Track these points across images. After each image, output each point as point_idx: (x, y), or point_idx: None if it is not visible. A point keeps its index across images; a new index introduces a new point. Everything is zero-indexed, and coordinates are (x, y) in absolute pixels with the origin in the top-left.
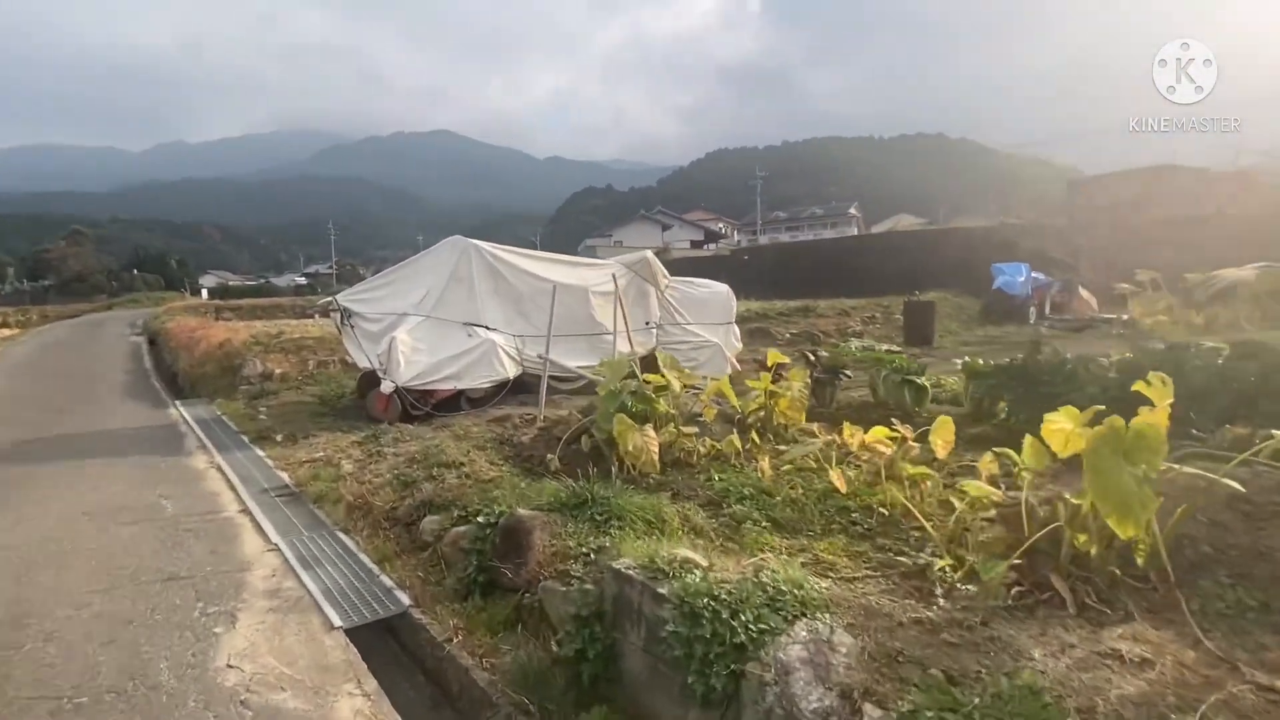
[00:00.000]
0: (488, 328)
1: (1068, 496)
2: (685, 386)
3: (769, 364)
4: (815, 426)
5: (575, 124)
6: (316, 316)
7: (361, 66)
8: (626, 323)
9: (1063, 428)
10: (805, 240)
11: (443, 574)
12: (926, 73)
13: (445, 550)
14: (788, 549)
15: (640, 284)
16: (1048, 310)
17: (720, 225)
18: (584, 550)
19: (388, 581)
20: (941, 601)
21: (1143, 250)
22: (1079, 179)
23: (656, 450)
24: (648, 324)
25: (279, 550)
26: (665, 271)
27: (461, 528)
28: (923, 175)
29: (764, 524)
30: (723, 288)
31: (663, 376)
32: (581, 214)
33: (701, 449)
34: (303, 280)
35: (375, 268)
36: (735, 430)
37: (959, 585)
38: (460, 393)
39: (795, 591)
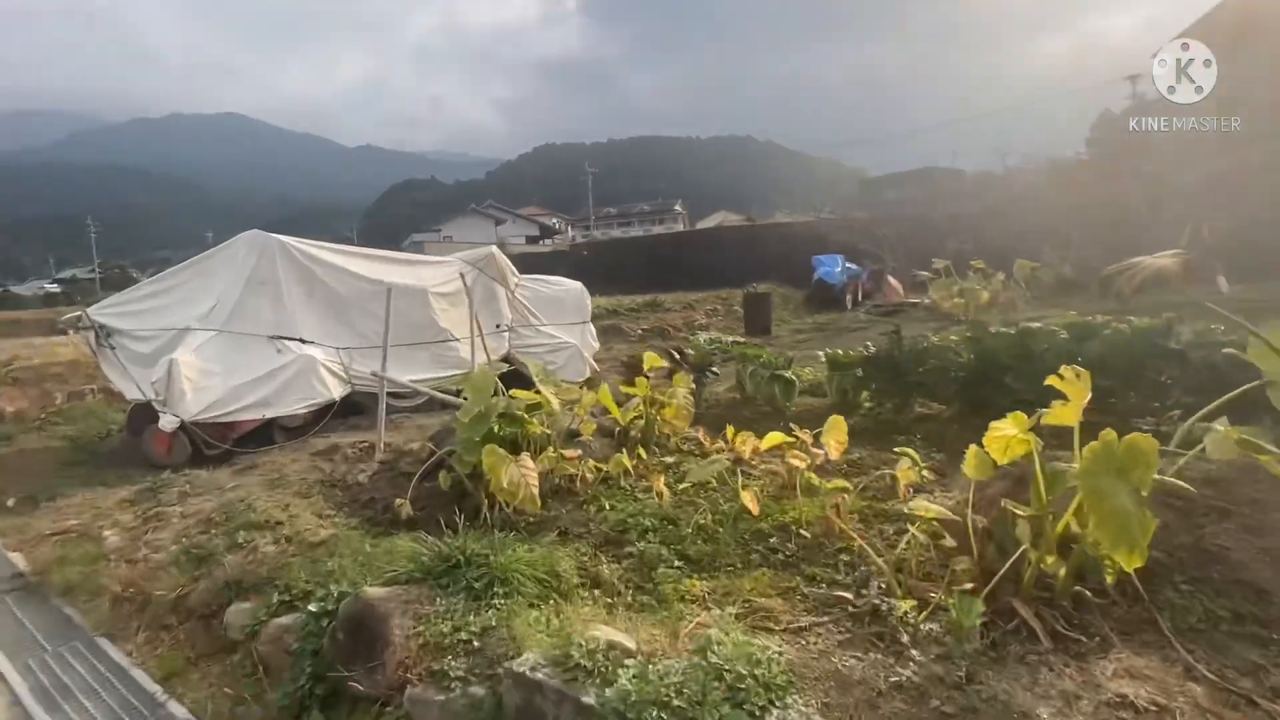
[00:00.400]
0: (303, 340)
1: (1020, 511)
2: (565, 402)
3: (645, 367)
4: (701, 433)
5: (389, 112)
6: (71, 333)
7: (122, 37)
8: (480, 328)
9: (1006, 434)
10: (643, 235)
11: (262, 686)
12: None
13: (263, 652)
14: (713, 595)
15: (487, 283)
16: (860, 297)
17: (554, 220)
18: (463, 637)
19: (179, 712)
20: (914, 653)
21: (933, 241)
22: (868, 179)
23: (536, 484)
24: (499, 327)
25: (2, 682)
26: (514, 269)
27: (285, 618)
28: (736, 173)
29: (677, 563)
30: (575, 285)
31: (535, 392)
32: (403, 207)
33: (587, 473)
34: (54, 288)
35: (154, 270)
36: (616, 445)
37: (918, 625)
38: (271, 422)
39: (755, 673)
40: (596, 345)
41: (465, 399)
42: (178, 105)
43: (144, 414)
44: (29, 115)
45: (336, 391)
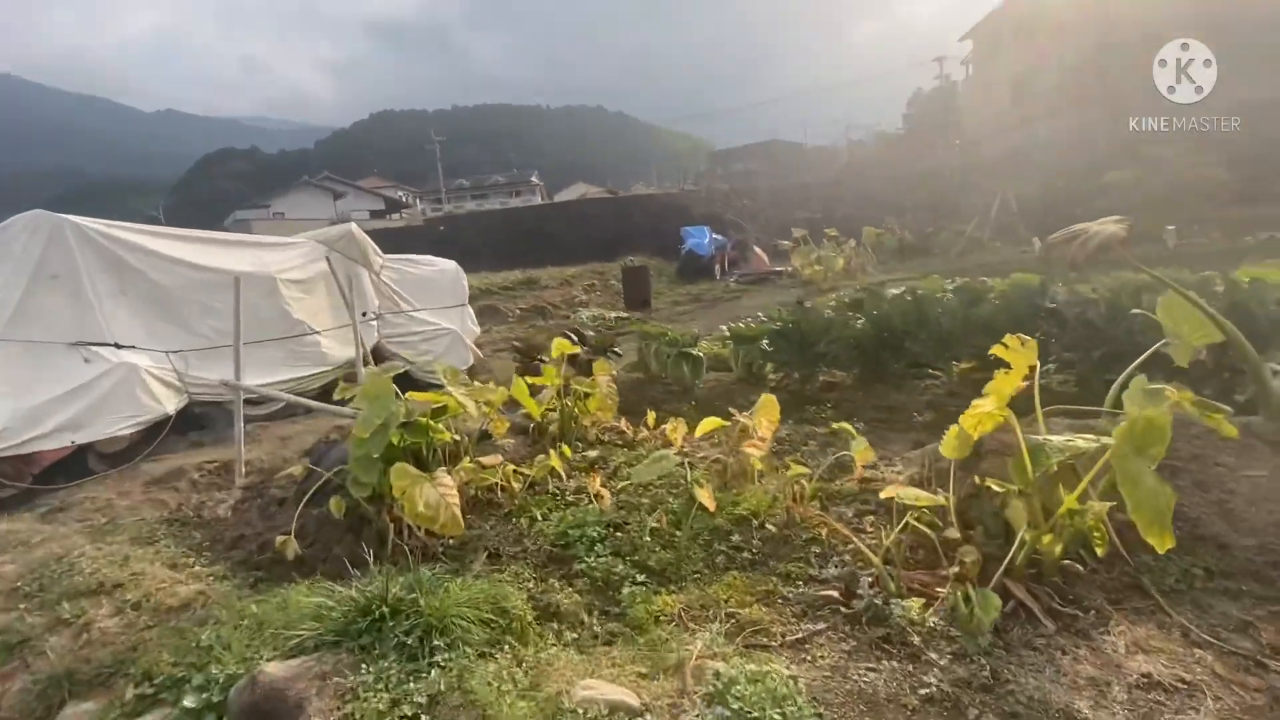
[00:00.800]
0: (118, 345)
1: (1001, 488)
2: (482, 403)
3: (555, 353)
4: (623, 422)
5: (192, 72)
6: None
7: None
8: (354, 316)
9: (984, 410)
10: (504, 209)
11: None
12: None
13: None
14: (690, 611)
15: (347, 266)
16: (727, 267)
17: (401, 194)
18: (407, 712)
19: None
20: (932, 656)
21: (785, 211)
22: (717, 151)
23: (458, 503)
24: (365, 315)
25: None
26: (377, 248)
27: (151, 718)
28: (589, 145)
29: (639, 578)
30: (449, 264)
31: (440, 392)
32: (220, 180)
33: (512, 482)
34: None
35: None
36: (531, 444)
37: (924, 621)
38: (85, 449)
39: (784, 712)
40: (477, 329)
41: (340, 404)
42: None
43: None
44: None
45: (170, 404)
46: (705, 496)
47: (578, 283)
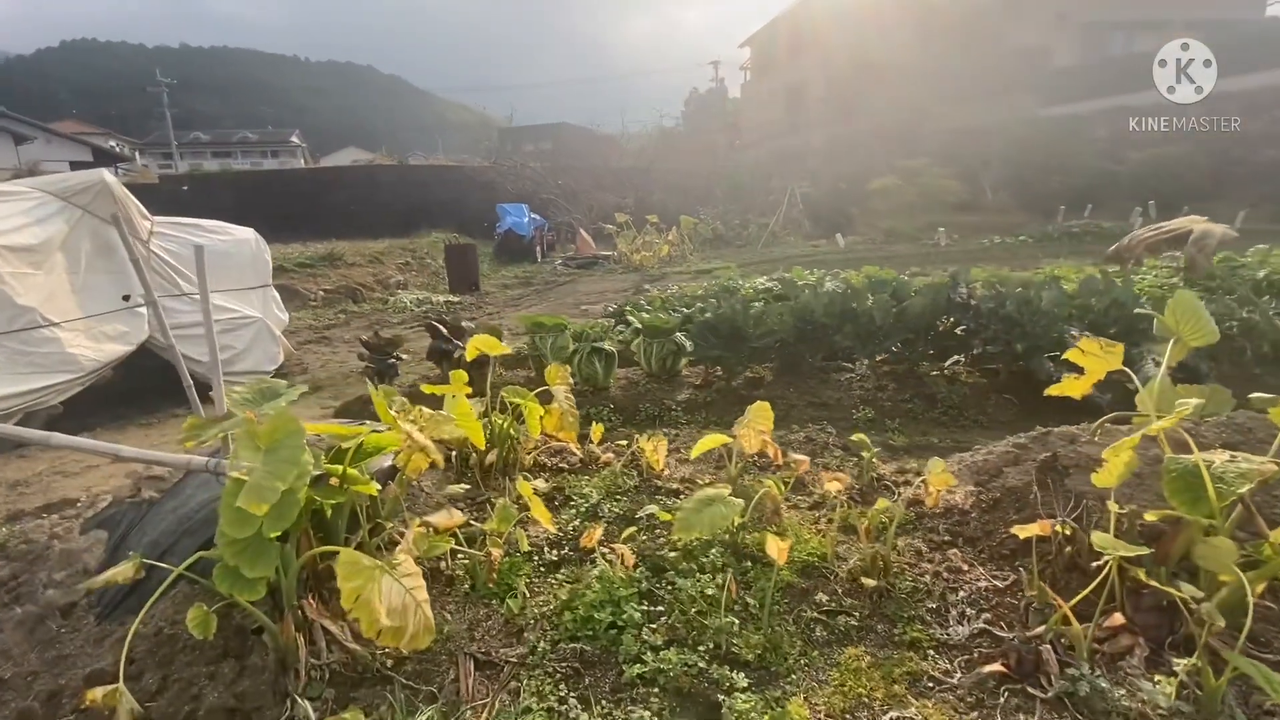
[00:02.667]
0: None
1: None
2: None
3: (470, 354)
4: (571, 441)
5: None
6: None
7: None
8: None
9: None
10: (276, 170)
11: None
12: None
13: None
14: None
15: (99, 231)
16: (545, 249)
17: (114, 144)
18: None
19: None
20: None
21: (600, 195)
22: (508, 128)
23: (427, 600)
24: (127, 300)
25: None
26: (143, 208)
27: None
28: (357, 107)
29: (736, 680)
30: (247, 233)
31: (359, 425)
32: None
33: (494, 550)
34: None
35: None
36: (457, 477)
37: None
38: None
39: None
40: (285, 318)
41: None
42: None
43: None
44: None
45: None
46: (776, 546)
47: (389, 260)
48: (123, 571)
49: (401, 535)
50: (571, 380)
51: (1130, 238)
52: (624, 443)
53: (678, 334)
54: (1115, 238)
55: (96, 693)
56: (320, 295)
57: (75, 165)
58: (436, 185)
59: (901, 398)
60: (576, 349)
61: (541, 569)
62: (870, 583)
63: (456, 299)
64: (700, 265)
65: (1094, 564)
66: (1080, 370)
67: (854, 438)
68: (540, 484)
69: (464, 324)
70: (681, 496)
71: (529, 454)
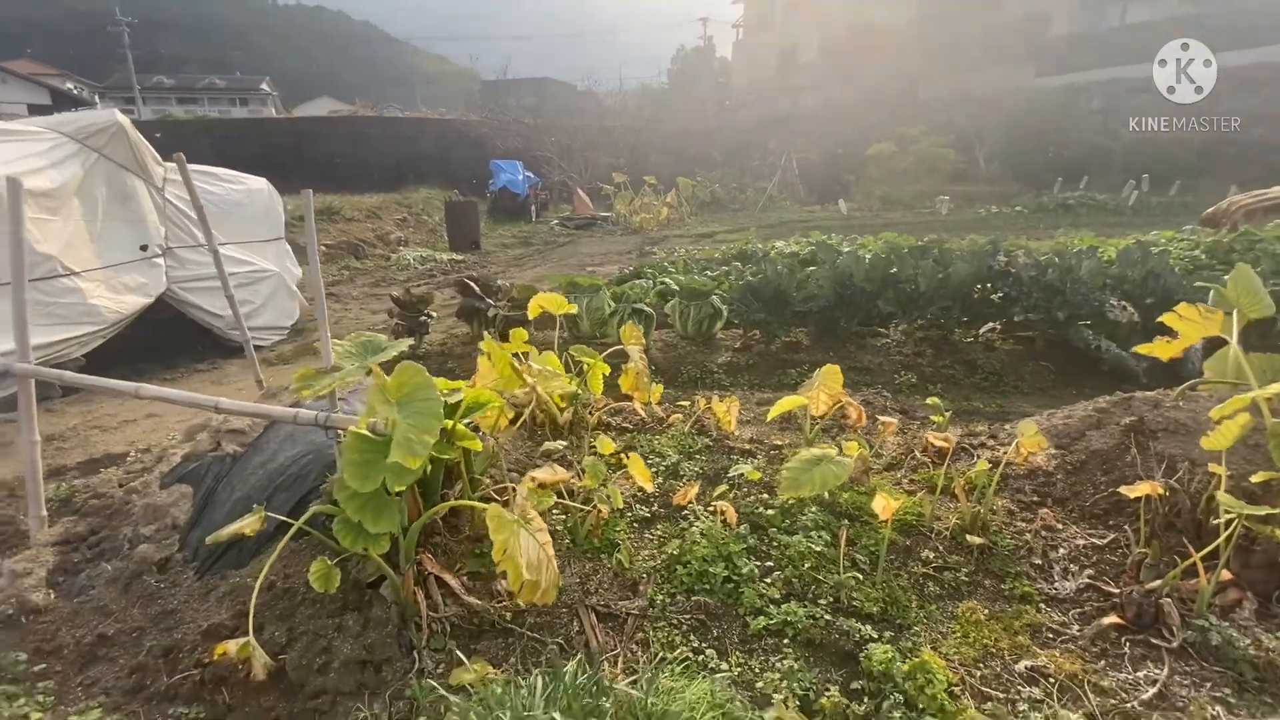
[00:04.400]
0: None
1: None
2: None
3: (533, 313)
4: (637, 402)
5: None
6: None
7: None
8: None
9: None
10: (253, 118)
11: None
12: None
13: None
14: (967, 668)
15: (115, 175)
16: (539, 209)
17: (71, 85)
18: None
19: None
20: None
21: (593, 154)
22: (490, 81)
23: (554, 556)
24: (144, 249)
25: None
26: (156, 154)
27: None
28: (328, 55)
29: (864, 630)
30: (260, 183)
31: (459, 380)
32: None
33: (601, 507)
34: None
35: None
36: (529, 437)
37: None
38: None
39: None
40: (299, 272)
41: (304, 404)
42: None
43: None
44: None
45: None
46: (883, 504)
47: (386, 216)
48: (251, 524)
49: (503, 490)
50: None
51: (1228, 202)
52: (685, 403)
53: (713, 297)
54: (1110, 211)
55: (229, 646)
56: (322, 250)
57: (34, 109)
58: (424, 139)
59: (941, 363)
60: (616, 310)
61: (635, 525)
62: (975, 540)
63: (460, 257)
64: (700, 229)
65: (1197, 523)
66: (1172, 334)
67: (929, 400)
68: (609, 443)
69: (496, 283)
70: (757, 456)
71: (595, 414)
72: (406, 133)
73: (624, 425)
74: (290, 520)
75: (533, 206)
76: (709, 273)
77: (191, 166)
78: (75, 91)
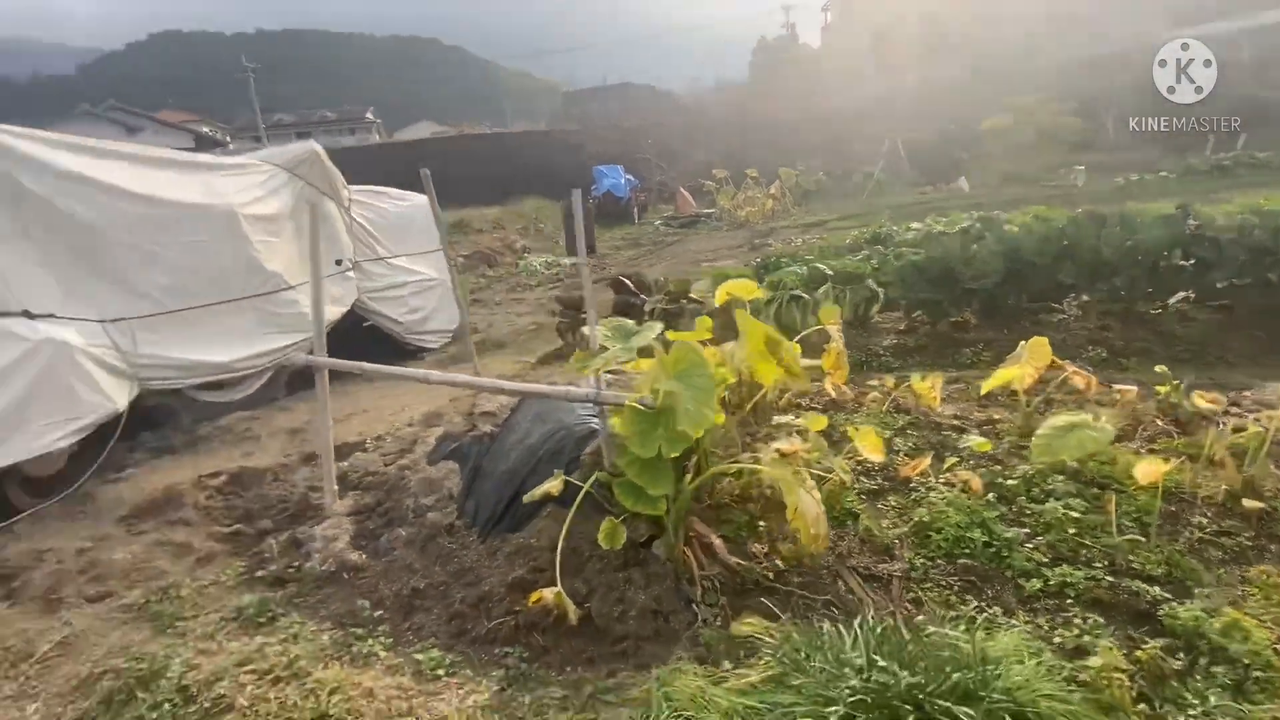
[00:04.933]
0: (30, 314)
1: None
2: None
3: (719, 299)
4: (829, 383)
5: None
6: None
7: None
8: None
9: None
10: (380, 144)
11: None
12: None
13: None
14: None
15: (313, 199)
16: (639, 210)
17: (208, 129)
18: None
19: None
20: None
21: (690, 150)
22: (572, 92)
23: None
24: (339, 264)
25: None
26: (341, 176)
27: None
28: (424, 80)
29: (1161, 597)
30: (421, 198)
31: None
32: None
33: (842, 475)
34: None
35: None
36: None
37: None
38: (1, 478)
39: None
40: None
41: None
42: None
43: None
44: None
45: (120, 397)
46: (1149, 469)
47: (508, 226)
48: (555, 485)
49: (735, 462)
50: None
51: None
52: (874, 382)
53: (869, 280)
54: (1276, 169)
55: (546, 594)
56: (460, 260)
57: (184, 151)
58: (526, 151)
59: (1133, 337)
60: (774, 297)
61: (863, 496)
62: (1254, 505)
63: (585, 261)
64: (807, 219)
65: None
66: None
67: (1158, 368)
68: (821, 418)
69: (650, 279)
70: (969, 431)
71: (779, 398)
72: (510, 146)
73: (812, 406)
74: (579, 483)
75: (634, 209)
76: (850, 256)
77: (363, 186)
78: (211, 134)
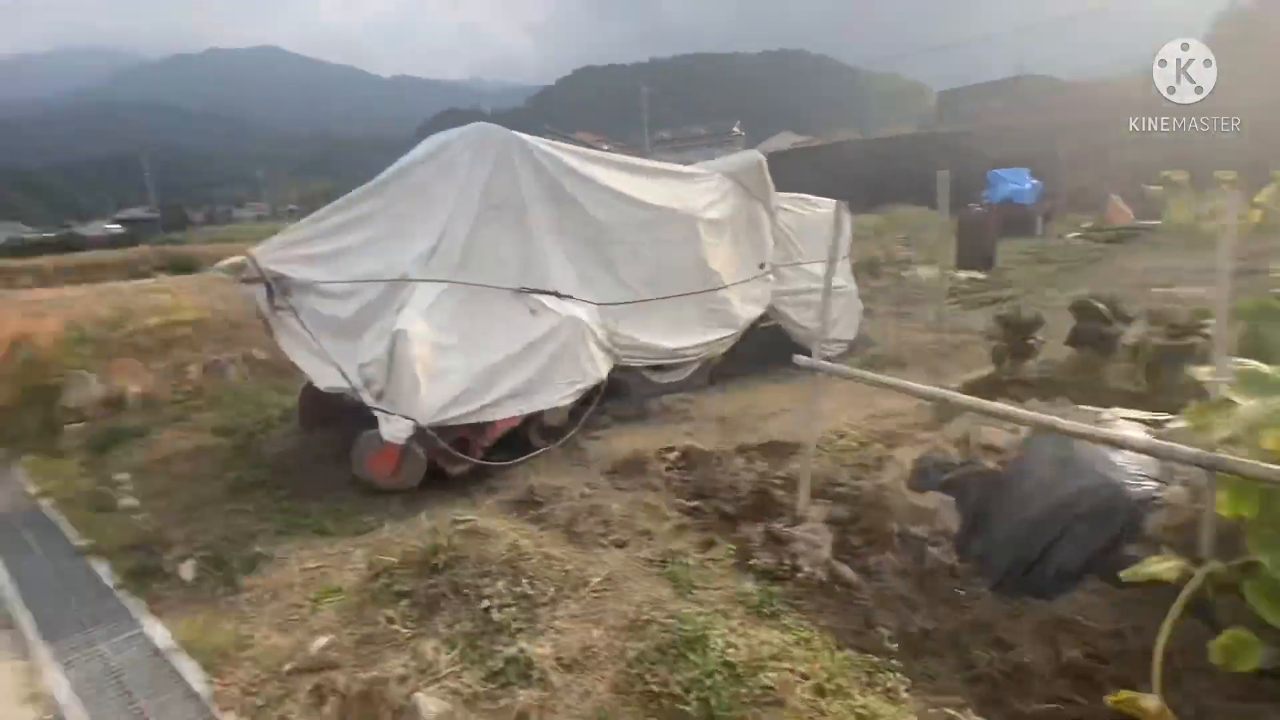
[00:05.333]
0: (559, 295)
1: None
2: None
3: None
4: None
5: (422, 42)
6: (240, 286)
7: None
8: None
9: None
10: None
11: None
12: None
13: None
14: None
15: (748, 204)
16: (1043, 220)
17: (607, 147)
18: None
19: None
20: None
21: (1119, 150)
22: (948, 91)
23: None
24: (762, 268)
25: None
26: (772, 184)
27: None
28: (790, 91)
29: None
30: (831, 204)
31: None
32: None
33: None
34: (117, 228)
35: (208, 210)
36: None
37: None
38: (528, 420)
39: None
40: (855, 287)
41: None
42: (214, 40)
43: (322, 402)
44: (76, 55)
45: (604, 369)
46: None
47: (889, 234)
48: (1165, 568)
49: None
50: None
51: None
52: None
53: None
54: None
55: (1145, 701)
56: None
57: None
58: (903, 157)
59: None
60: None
61: None
62: None
63: (981, 276)
64: None
65: None
66: None
67: None
68: None
69: (1123, 306)
70: None
71: None
72: (880, 153)
73: None
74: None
75: (1040, 218)
76: None
77: (786, 194)
78: (610, 151)
